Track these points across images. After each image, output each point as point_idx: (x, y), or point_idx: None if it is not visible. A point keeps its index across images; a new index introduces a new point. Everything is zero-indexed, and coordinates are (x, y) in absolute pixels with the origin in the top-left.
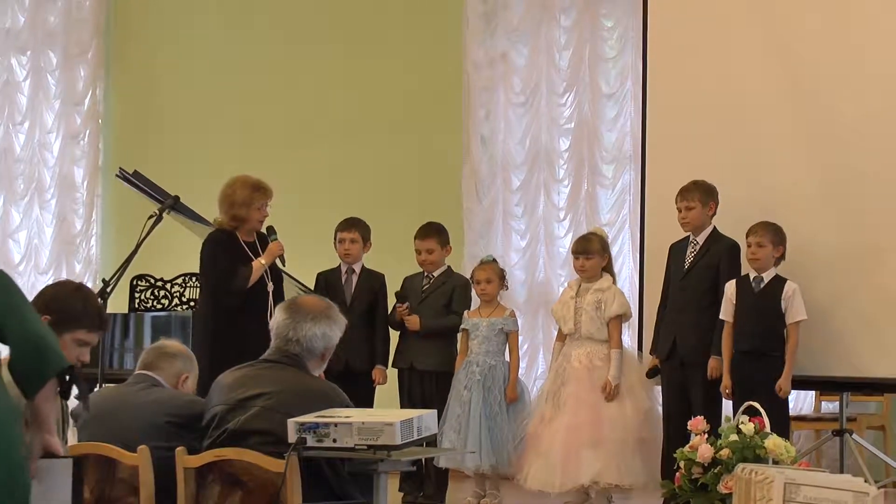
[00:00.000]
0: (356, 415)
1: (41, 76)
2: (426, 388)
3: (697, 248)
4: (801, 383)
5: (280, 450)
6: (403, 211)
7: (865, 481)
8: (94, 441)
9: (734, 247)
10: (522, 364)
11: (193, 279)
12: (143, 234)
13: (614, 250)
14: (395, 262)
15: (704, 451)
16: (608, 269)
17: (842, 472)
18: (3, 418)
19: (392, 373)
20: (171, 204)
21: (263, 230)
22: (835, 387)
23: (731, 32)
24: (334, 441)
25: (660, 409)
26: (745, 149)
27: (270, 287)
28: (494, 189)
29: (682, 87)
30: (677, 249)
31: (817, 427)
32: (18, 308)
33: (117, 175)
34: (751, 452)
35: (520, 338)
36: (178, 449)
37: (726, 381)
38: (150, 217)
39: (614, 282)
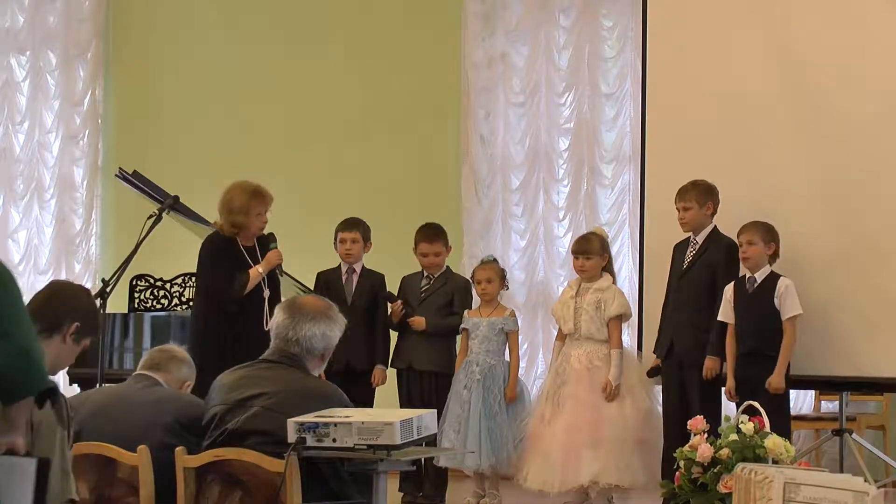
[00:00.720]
0: (356, 414)
1: (40, 76)
2: (425, 389)
3: (697, 247)
4: (800, 383)
5: (280, 450)
6: (403, 211)
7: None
8: (96, 438)
9: (732, 246)
10: (522, 364)
11: (193, 279)
12: (143, 234)
13: (614, 250)
14: (394, 261)
15: (704, 451)
16: (608, 268)
17: (841, 471)
18: None
19: (391, 373)
20: (171, 204)
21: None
22: (834, 386)
23: (730, 32)
24: (334, 441)
25: (660, 408)
26: (745, 149)
27: (266, 294)
28: (494, 189)
29: (682, 86)
30: (679, 249)
31: (817, 427)
32: (20, 318)
33: (117, 175)
34: (750, 452)
35: (519, 338)
36: (177, 449)
37: (730, 384)
38: (150, 217)
39: (614, 282)
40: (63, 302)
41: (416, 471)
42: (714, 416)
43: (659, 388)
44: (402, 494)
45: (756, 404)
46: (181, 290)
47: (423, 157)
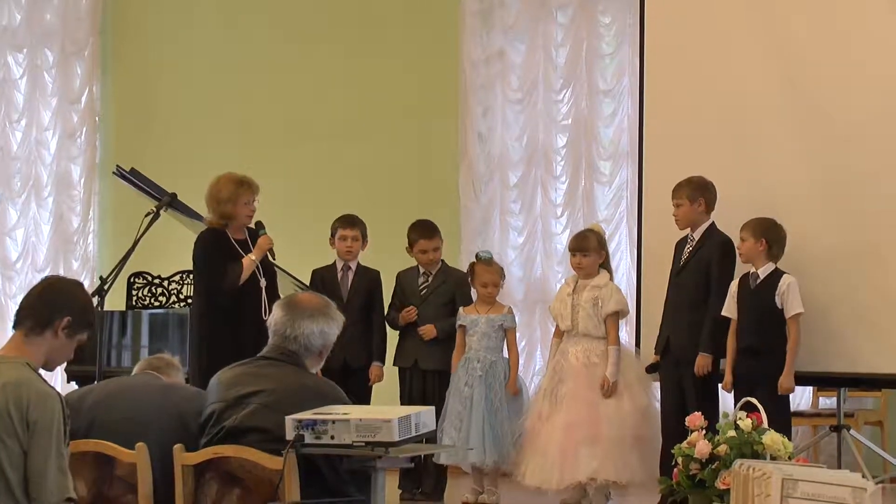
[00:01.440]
0: (354, 411)
1: (38, 74)
2: (428, 387)
3: (694, 244)
4: (798, 379)
5: (278, 447)
6: (401, 208)
7: (863, 477)
8: (106, 424)
9: (725, 242)
10: (521, 360)
11: (190, 276)
12: (141, 232)
13: (611, 247)
14: (391, 258)
15: (702, 448)
16: (605, 265)
17: (839, 467)
18: None
19: (392, 371)
20: (169, 201)
21: (252, 226)
22: (832, 383)
23: (729, 28)
24: (332, 438)
25: (658, 405)
26: (743, 145)
27: (263, 283)
28: (492, 186)
29: (680, 83)
30: (678, 246)
31: (815, 423)
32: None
33: (114, 173)
34: (748, 448)
35: (517, 334)
36: (175, 446)
37: (727, 379)
38: (148, 214)
39: (611, 278)
40: (54, 297)
41: (414, 467)
42: (712, 413)
43: (657, 384)
44: (400, 491)
45: (754, 400)
46: (179, 288)
47: (421, 155)
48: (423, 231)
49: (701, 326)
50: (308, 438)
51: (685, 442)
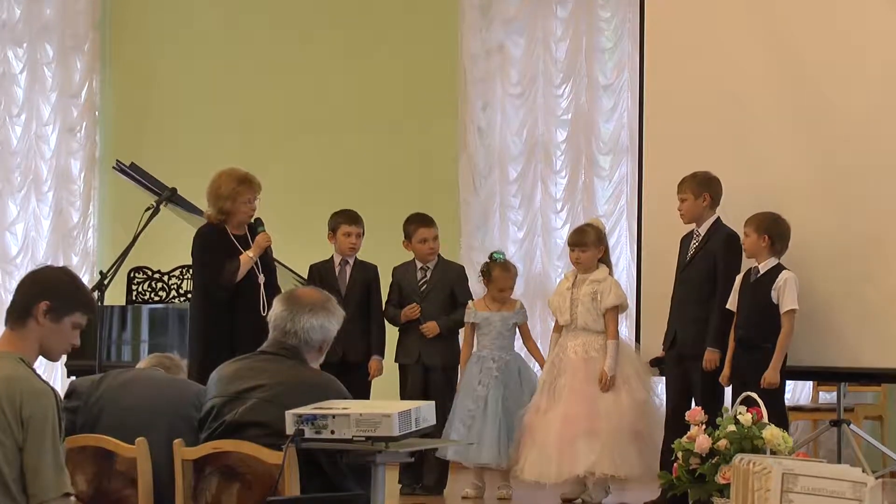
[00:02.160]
0: (354, 406)
1: (37, 69)
2: (430, 383)
3: (699, 239)
4: (799, 373)
5: (278, 442)
6: (400, 202)
7: (863, 471)
8: (119, 411)
9: (731, 236)
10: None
11: (190, 271)
12: (141, 227)
13: (611, 241)
14: (390, 253)
15: (702, 442)
16: (605, 260)
17: (839, 462)
18: None
19: (392, 365)
20: (169, 196)
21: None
22: (832, 377)
23: (728, 22)
24: (332, 432)
25: (657, 400)
26: (743, 140)
27: (261, 279)
28: (491, 180)
29: (680, 77)
30: (684, 242)
31: (815, 417)
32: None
33: (114, 167)
34: (748, 443)
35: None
36: (175, 441)
37: (725, 372)
38: (147, 209)
39: (611, 273)
40: (30, 286)
41: (416, 462)
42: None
43: (656, 378)
44: (400, 486)
45: (755, 395)
46: (179, 283)
47: (421, 149)
48: (422, 220)
49: (707, 321)
50: (308, 433)
51: (685, 436)
